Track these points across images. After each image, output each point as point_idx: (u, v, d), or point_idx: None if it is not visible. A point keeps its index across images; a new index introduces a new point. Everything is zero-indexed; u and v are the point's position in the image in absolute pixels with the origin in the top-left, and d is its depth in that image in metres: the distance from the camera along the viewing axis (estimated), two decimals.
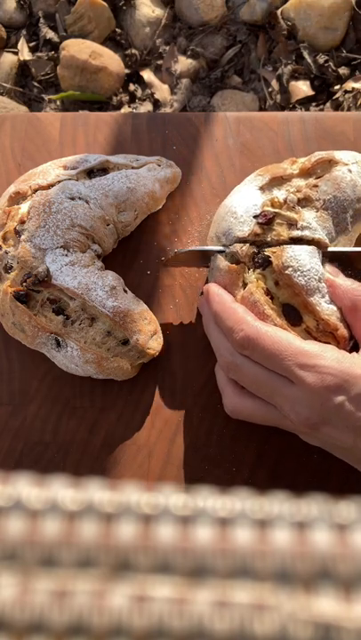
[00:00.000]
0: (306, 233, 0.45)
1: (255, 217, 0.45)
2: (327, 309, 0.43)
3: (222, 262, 0.46)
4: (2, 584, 0.13)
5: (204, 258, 0.49)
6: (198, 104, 1.13)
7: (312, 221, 0.45)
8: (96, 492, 0.15)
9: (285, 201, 0.46)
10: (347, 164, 0.48)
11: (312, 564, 0.14)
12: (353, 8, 1.13)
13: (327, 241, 0.45)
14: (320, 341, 0.43)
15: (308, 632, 0.13)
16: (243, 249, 0.45)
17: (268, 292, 0.44)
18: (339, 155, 0.48)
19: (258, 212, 0.46)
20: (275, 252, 0.44)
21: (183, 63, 1.17)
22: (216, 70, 1.16)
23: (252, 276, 0.45)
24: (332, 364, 0.38)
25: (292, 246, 0.44)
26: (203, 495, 0.16)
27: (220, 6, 1.18)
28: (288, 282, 0.43)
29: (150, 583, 0.14)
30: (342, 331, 0.43)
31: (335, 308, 0.43)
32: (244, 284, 0.45)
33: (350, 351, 0.43)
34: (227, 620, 0.13)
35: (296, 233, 0.45)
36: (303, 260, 0.43)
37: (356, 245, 0.50)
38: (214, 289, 0.45)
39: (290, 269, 0.43)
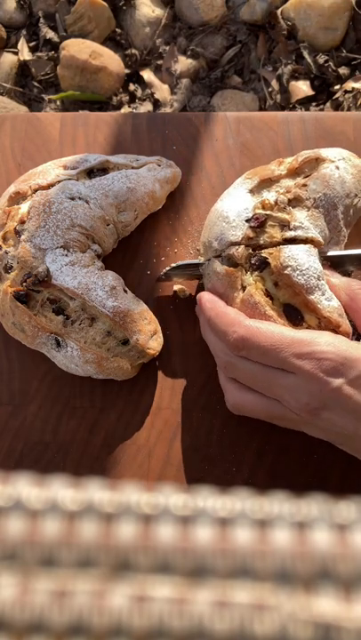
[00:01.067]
0: (299, 233, 0.45)
1: (247, 221, 0.46)
2: (328, 307, 0.43)
3: (219, 266, 0.46)
4: (2, 584, 0.13)
5: (195, 269, 0.49)
6: (198, 104, 1.13)
7: (304, 221, 0.45)
8: (96, 492, 0.15)
9: (276, 202, 0.46)
10: (333, 161, 0.48)
11: (312, 564, 0.14)
12: (353, 8, 1.13)
13: (320, 239, 0.45)
14: None
15: (308, 632, 0.13)
16: (238, 251, 0.45)
17: (267, 294, 0.44)
18: (325, 152, 0.49)
19: (249, 215, 0.46)
20: (272, 253, 0.44)
21: (183, 63, 1.17)
22: (216, 70, 1.16)
23: (250, 278, 0.45)
24: (327, 348, 0.39)
25: (289, 246, 0.44)
26: (203, 495, 0.16)
27: (220, 6, 1.18)
28: (288, 282, 0.43)
29: (150, 583, 0.14)
30: (345, 327, 0.43)
31: (336, 305, 0.44)
32: (243, 287, 0.45)
33: None
34: (227, 620, 0.13)
35: (289, 234, 0.45)
36: (301, 258, 0.44)
37: (348, 245, 0.50)
38: (206, 296, 0.46)
39: (289, 269, 0.43)
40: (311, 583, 0.14)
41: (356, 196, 0.49)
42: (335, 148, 0.51)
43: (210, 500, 0.15)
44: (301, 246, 0.44)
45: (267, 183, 0.48)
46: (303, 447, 0.48)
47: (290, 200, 0.46)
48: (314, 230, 0.45)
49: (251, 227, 0.45)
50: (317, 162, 0.48)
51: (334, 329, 0.43)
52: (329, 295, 0.44)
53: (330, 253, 0.47)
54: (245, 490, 0.16)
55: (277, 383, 0.40)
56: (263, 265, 0.44)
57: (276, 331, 0.40)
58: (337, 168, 0.47)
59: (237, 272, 0.45)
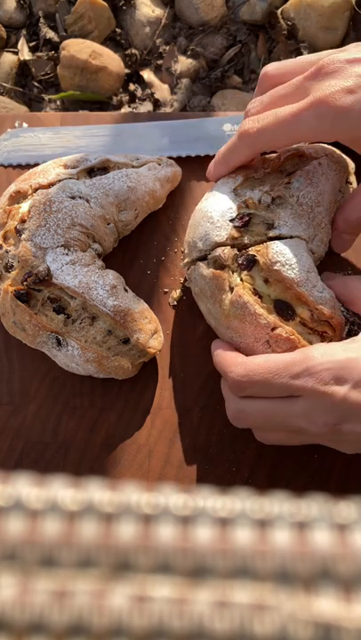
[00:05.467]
0: (283, 231, 0.45)
1: (231, 220, 0.45)
2: (320, 298, 0.43)
3: (205, 270, 0.45)
4: (2, 584, 0.13)
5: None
6: (198, 104, 1.13)
7: (288, 219, 0.45)
8: (96, 492, 0.15)
9: (260, 201, 0.46)
10: (316, 158, 0.48)
11: (312, 564, 0.14)
12: (353, 8, 1.13)
13: (305, 237, 0.45)
14: (316, 331, 0.43)
15: (308, 632, 0.13)
16: (225, 252, 0.45)
17: (255, 292, 0.44)
18: (308, 149, 0.49)
19: (233, 215, 0.45)
20: (259, 251, 0.44)
21: (183, 63, 1.17)
22: (216, 70, 1.16)
23: (237, 279, 0.44)
24: (322, 359, 0.38)
25: (276, 242, 0.44)
26: (203, 495, 0.16)
27: (220, 6, 1.18)
28: (278, 277, 0.43)
29: (150, 583, 0.14)
30: (337, 318, 0.43)
31: (328, 297, 0.44)
32: (231, 289, 0.44)
33: (346, 336, 0.43)
34: (227, 621, 0.13)
35: (274, 232, 0.45)
36: (289, 252, 0.43)
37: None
38: (213, 346, 0.46)
39: (278, 264, 0.43)
40: (311, 583, 0.14)
41: (340, 191, 0.49)
42: (318, 144, 0.50)
43: (210, 500, 0.15)
44: (288, 240, 0.44)
45: (251, 182, 0.47)
46: (303, 447, 0.48)
47: (273, 198, 0.46)
48: (298, 228, 0.45)
49: (235, 227, 0.45)
50: (300, 159, 0.48)
51: (327, 320, 0.43)
52: (320, 287, 0.44)
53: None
54: (245, 490, 0.16)
55: (290, 414, 0.39)
56: (251, 263, 0.44)
57: (269, 359, 0.40)
58: (320, 164, 0.47)
59: (224, 274, 0.44)
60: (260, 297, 0.44)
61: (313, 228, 0.46)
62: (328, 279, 0.46)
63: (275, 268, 0.43)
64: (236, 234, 0.45)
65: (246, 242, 0.45)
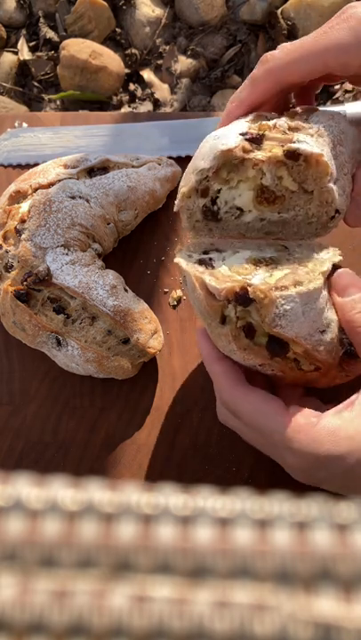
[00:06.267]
0: (303, 146, 0.38)
1: (242, 134, 0.39)
2: (319, 342, 0.38)
3: (197, 291, 0.38)
4: (2, 584, 0.13)
5: None
6: (198, 104, 1.13)
7: (309, 139, 0.39)
8: (96, 492, 0.15)
9: (275, 126, 0.40)
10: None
11: (312, 565, 0.14)
12: None
13: (326, 159, 0.38)
14: (305, 367, 0.39)
15: (308, 632, 0.13)
16: (239, 144, 0.38)
17: (250, 327, 0.38)
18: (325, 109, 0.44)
19: (245, 131, 0.40)
20: (263, 299, 0.36)
21: (183, 63, 1.17)
22: (216, 70, 1.16)
23: (231, 312, 0.37)
24: (292, 459, 0.37)
25: (283, 298, 0.36)
26: (203, 495, 0.16)
27: (220, 6, 1.18)
28: (277, 334, 0.37)
29: (150, 583, 0.14)
30: (329, 363, 0.39)
31: (328, 339, 0.39)
32: (224, 318, 0.38)
33: (343, 357, 0.40)
34: (227, 621, 0.13)
35: (292, 145, 0.38)
36: (295, 312, 0.36)
37: None
38: (199, 340, 0.42)
39: (278, 327, 0.37)
40: (311, 583, 0.14)
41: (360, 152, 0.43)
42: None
43: (210, 500, 0.15)
44: (301, 294, 0.36)
45: (263, 119, 0.42)
46: None
47: (290, 127, 0.40)
48: (321, 148, 0.39)
49: (246, 139, 0.39)
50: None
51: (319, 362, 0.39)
52: (324, 325, 0.38)
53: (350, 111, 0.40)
54: (245, 490, 0.16)
55: (268, 435, 0.38)
56: (249, 301, 0.37)
57: (263, 413, 0.38)
58: (339, 113, 0.43)
59: (217, 304, 0.38)
60: (255, 330, 0.38)
61: (336, 168, 0.40)
62: (338, 283, 0.40)
63: (275, 330, 0.37)
64: (248, 146, 0.39)
65: (259, 157, 0.39)
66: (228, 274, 0.38)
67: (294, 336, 0.37)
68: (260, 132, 0.39)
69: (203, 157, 0.40)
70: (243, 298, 0.37)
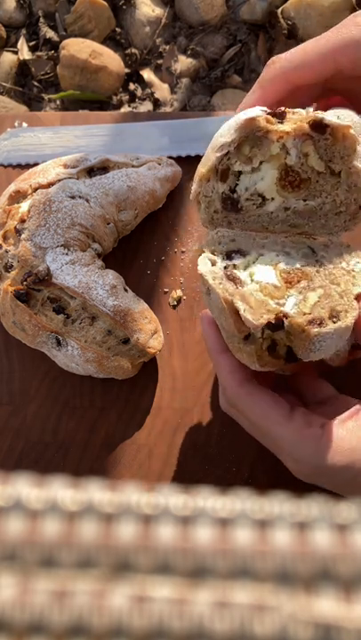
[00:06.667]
0: (329, 117, 0.37)
1: (263, 111, 0.38)
2: (337, 352, 0.39)
3: (218, 300, 0.36)
4: (2, 584, 0.13)
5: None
6: (198, 103, 1.13)
7: (333, 117, 0.38)
8: (96, 492, 0.15)
9: (294, 112, 0.38)
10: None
11: (312, 565, 0.14)
12: (353, 7, 1.13)
13: (354, 132, 0.37)
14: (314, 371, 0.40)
15: (308, 633, 0.13)
16: (260, 117, 0.37)
17: (271, 341, 0.36)
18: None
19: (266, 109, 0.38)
20: (300, 333, 0.35)
21: (183, 62, 1.17)
22: (216, 70, 1.16)
23: (258, 332, 0.36)
24: (294, 466, 0.38)
25: (321, 332, 0.35)
26: (203, 495, 0.16)
27: (220, 6, 1.18)
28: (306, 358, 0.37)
29: (150, 583, 0.14)
30: (341, 362, 0.40)
31: (343, 349, 0.39)
32: (247, 336, 0.36)
33: (351, 349, 0.41)
34: (227, 621, 0.13)
35: (318, 115, 0.37)
36: (330, 345, 0.36)
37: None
38: (205, 329, 0.41)
39: (312, 354, 0.36)
40: (311, 583, 0.14)
41: None
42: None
43: (210, 500, 0.15)
44: (335, 332, 0.35)
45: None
46: None
47: (309, 113, 0.39)
48: (349, 120, 0.37)
49: (268, 113, 0.38)
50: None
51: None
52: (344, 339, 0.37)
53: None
54: (245, 490, 0.16)
55: (271, 439, 0.39)
56: (280, 328, 0.35)
57: (266, 417, 0.38)
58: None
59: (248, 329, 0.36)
60: (276, 344, 0.36)
61: None
62: None
63: (309, 358, 0.36)
64: (271, 119, 0.38)
65: (284, 128, 0.37)
66: (261, 298, 0.36)
67: (321, 357, 0.36)
68: (283, 109, 0.38)
69: (222, 135, 0.38)
70: (276, 326, 0.35)
